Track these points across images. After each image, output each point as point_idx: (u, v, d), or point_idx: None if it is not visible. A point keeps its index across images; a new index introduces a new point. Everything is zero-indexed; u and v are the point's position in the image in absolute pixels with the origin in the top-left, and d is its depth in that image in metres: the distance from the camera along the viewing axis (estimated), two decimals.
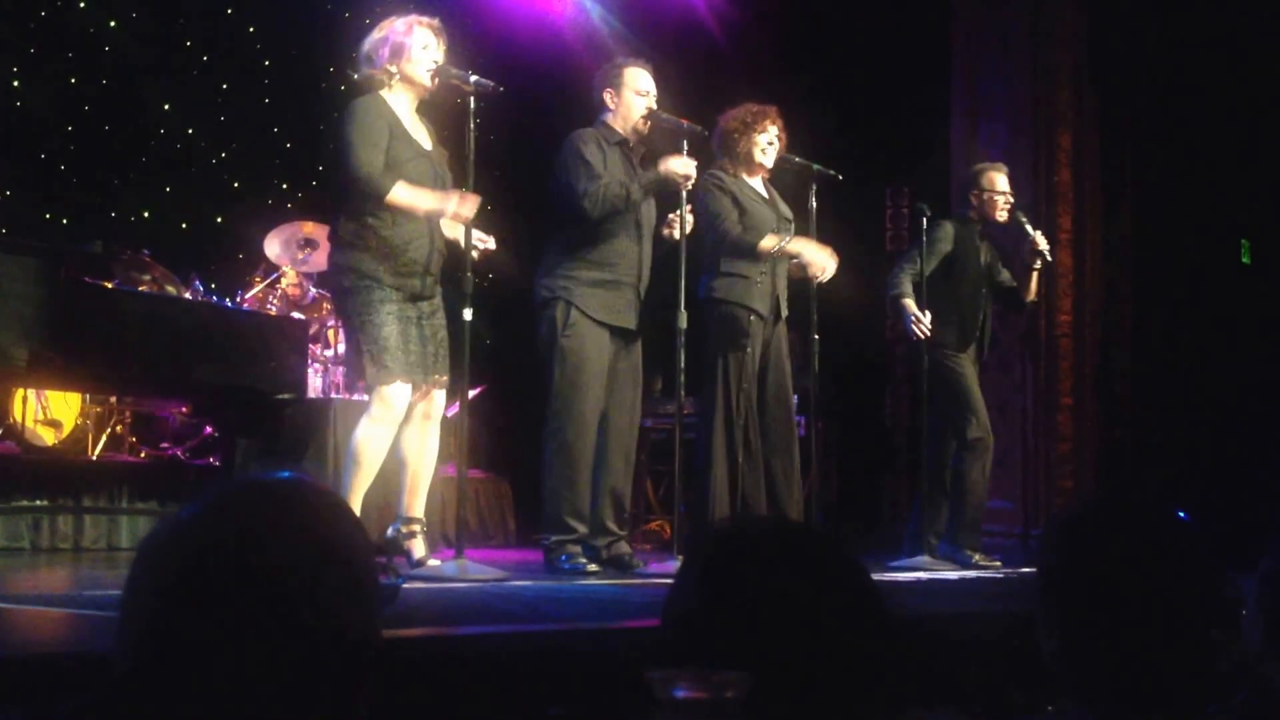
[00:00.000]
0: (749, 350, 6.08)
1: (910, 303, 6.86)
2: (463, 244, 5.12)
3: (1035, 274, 7.09)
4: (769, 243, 6.05)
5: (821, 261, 6.15)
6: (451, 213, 5.00)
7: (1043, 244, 6.97)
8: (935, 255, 6.93)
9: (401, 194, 4.96)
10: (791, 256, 6.17)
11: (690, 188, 5.68)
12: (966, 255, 7.00)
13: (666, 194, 5.76)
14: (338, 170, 5.10)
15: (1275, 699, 1.88)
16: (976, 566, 6.71)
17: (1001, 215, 7.03)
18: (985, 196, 7.02)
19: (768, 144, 6.24)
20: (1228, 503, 7.49)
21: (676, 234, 5.76)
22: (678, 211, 5.74)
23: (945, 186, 8.75)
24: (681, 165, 5.62)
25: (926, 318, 6.79)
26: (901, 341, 9.28)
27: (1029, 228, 7.01)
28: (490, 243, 5.32)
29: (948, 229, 7.00)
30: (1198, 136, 8.71)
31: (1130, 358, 9.02)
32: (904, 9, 9.19)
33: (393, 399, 4.99)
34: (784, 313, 6.26)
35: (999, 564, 6.83)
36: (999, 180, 7.05)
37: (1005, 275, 7.16)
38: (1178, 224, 8.82)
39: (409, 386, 5.04)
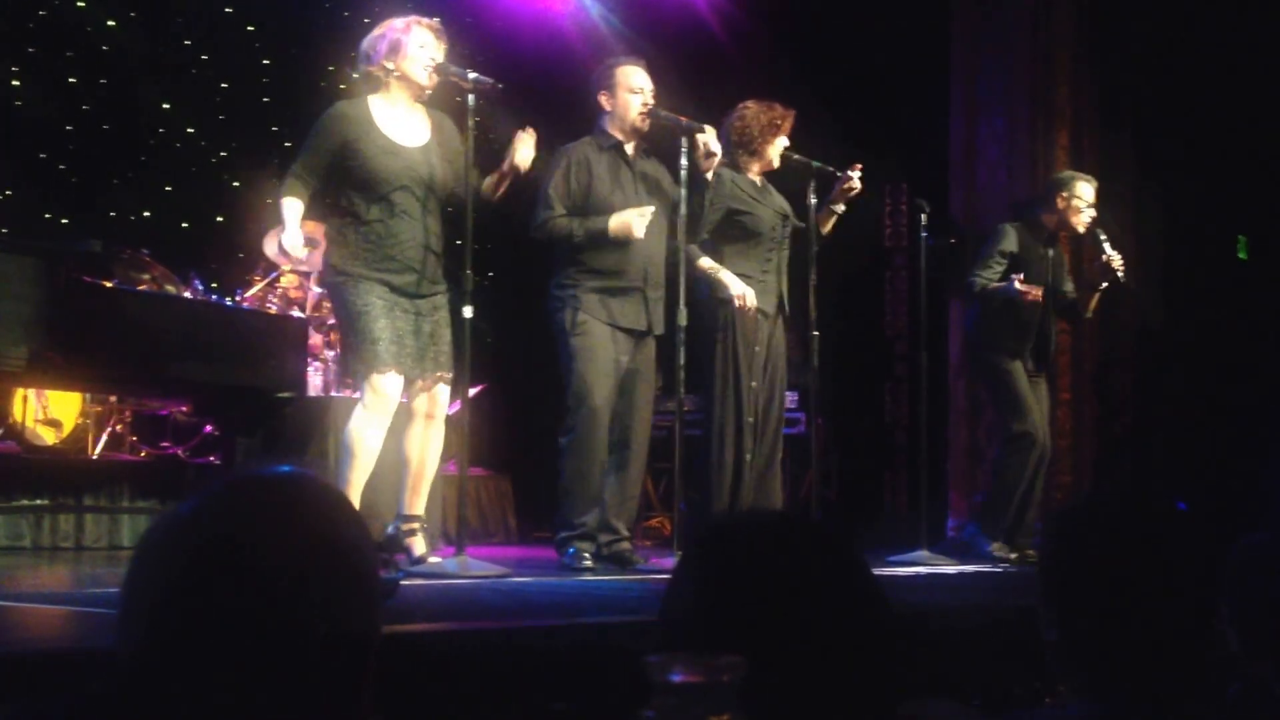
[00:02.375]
0: (754, 349, 6.09)
1: (998, 284, 6.76)
2: (467, 233, 5.14)
3: (1099, 293, 7.04)
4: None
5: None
6: (281, 241, 5.17)
7: (1118, 264, 6.86)
8: (1000, 260, 6.88)
9: (285, 206, 5.16)
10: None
11: (638, 237, 5.66)
12: (1030, 259, 6.91)
13: (695, 190, 5.77)
14: None
15: (1266, 694, 1.88)
16: (991, 558, 6.68)
17: (1082, 227, 6.96)
18: (1071, 203, 6.93)
19: (784, 148, 6.26)
20: (1226, 497, 7.49)
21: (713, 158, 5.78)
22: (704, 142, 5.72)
23: (944, 183, 8.75)
24: (633, 222, 5.61)
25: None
26: (902, 338, 9.30)
27: (1107, 246, 6.90)
28: (528, 136, 5.33)
29: (1010, 234, 6.93)
30: (1196, 133, 8.70)
31: (1129, 353, 9.01)
32: (902, 5, 9.18)
33: (383, 389, 5.00)
34: (786, 310, 6.27)
35: (1014, 557, 6.79)
36: (1087, 191, 6.97)
37: (1069, 287, 7.14)
38: (1176, 220, 8.82)
39: (400, 377, 5.04)
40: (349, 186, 5.10)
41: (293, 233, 5.11)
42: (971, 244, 7.77)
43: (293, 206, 5.13)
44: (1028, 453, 6.88)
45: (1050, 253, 7.05)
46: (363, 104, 5.18)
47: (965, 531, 6.91)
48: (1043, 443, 6.99)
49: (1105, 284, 6.98)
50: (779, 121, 6.24)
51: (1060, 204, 6.97)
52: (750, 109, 6.26)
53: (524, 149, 5.27)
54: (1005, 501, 6.91)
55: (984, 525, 6.91)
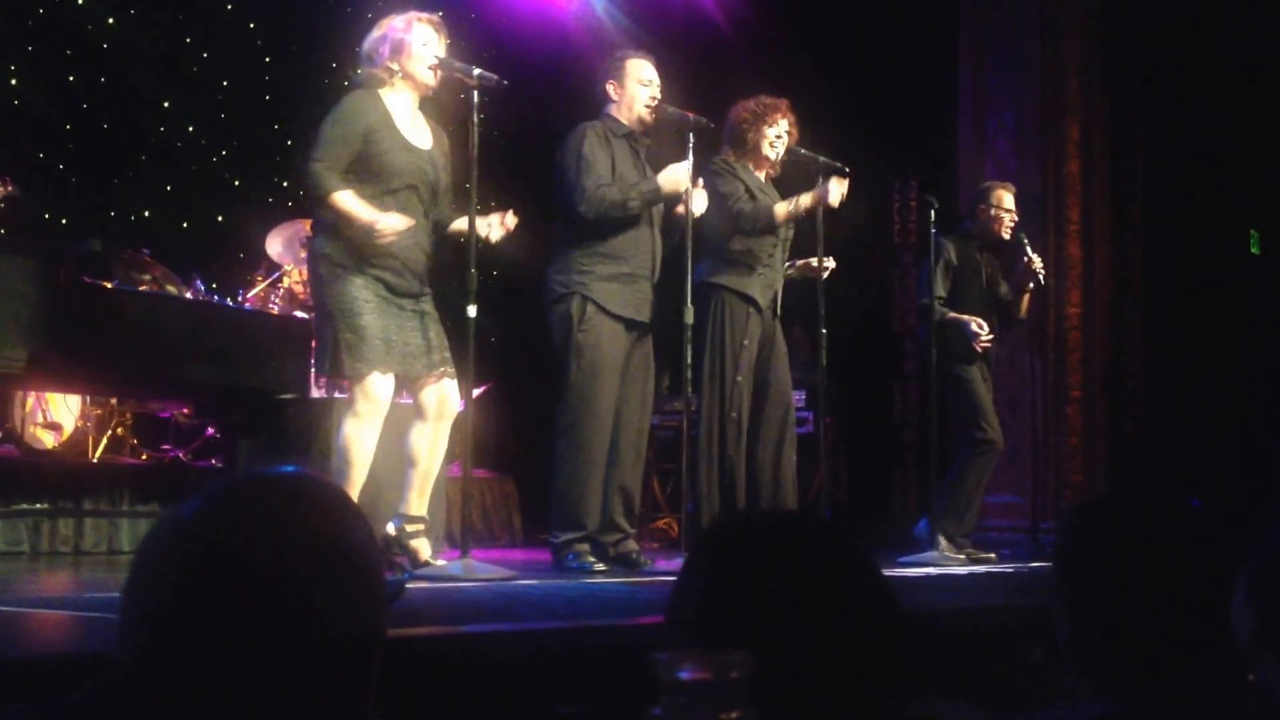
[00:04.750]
0: (745, 343, 6.04)
1: (955, 315, 7.03)
2: (468, 230, 5.07)
3: (1028, 295, 7.35)
4: (782, 208, 6.03)
5: (836, 193, 6.09)
6: (377, 230, 4.86)
7: (1039, 266, 7.19)
8: (945, 273, 7.10)
9: (345, 200, 4.89)
10: (805, 212, 6.11)
11: (689, 187, 5.61)
12: (969, 270, 7.15)
13: (693, 178, 5.72)
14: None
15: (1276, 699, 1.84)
16: (945, 559, 6.67)
17: (1006, 233, 7.21)
18: (992, 213, 7.20)
19: (776, 138, 6.21)
20: (1238, 495, 7.46)
21: (696, 209, 5.68)
22: (685, 192, 5.66)
23: (954, 179, 8.72)
24: (679, 171, 5.56)
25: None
26: (911, 337, 9.29)
27: (1028, 249, 7.21)
28: (495, 232, 5.25)
29: (948, 247, 7.14)
30: (1207, 127, 8.68)
31: (1140, 350, 8.98)
32: (912, 1, 9.15)
33: (375, 391, 4.90)
34: (779, 312, 6.23)
35: (992, 556, 6.95)
36: (1006, 198, 7.23)
37: (1004, 290, 7.32)
38: (1187, 215, 8.80)
39: (390, 378, 4.96)
40: (358, 177, 4.98)
41: (372, 214, 4.87)
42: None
43: (348, 196, 4.89)
44: (990, 458, 7.07)
45: (984, 260, 7.24)
46: (378, 97, 5.10)
47: (918, 529, 6.96)
48: (1001, 445, 7.18)
49: (1031, 286, 7.29)
50: (762, 111, 6.21)
51: (982, 214, 7.24)
52: (739, 104, 6.25)
53: (496, 231, 5.16)
54: (966, 504, 7.04)
55: (945, 525, 6.90)
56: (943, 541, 6.81)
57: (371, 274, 4.96)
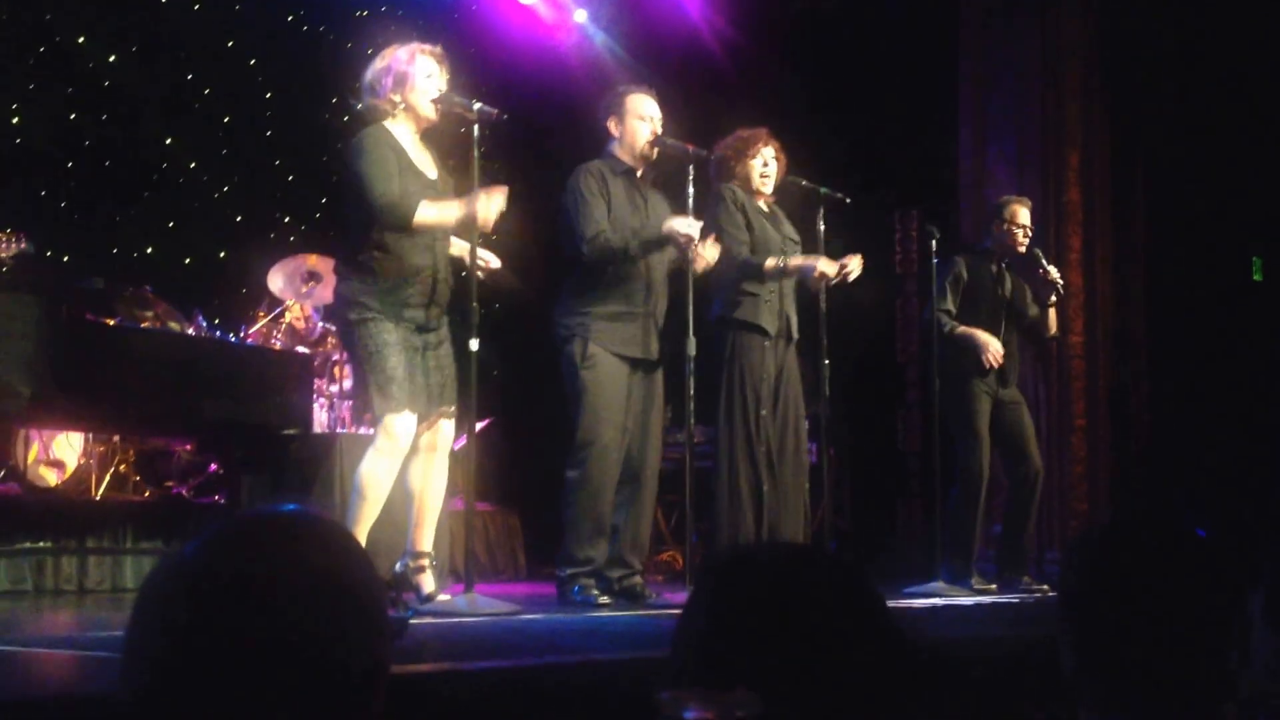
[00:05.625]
0: (764, 377, 6.03)
1: (965, 329, 6.97)
2: (468, 263, 5.07)
3: (1053, 309, 7.24)
4: (770, 264, 6.02)
5: (825, 267, 6.09)
6: (481, 215, 4.94)
7: (1055, 277, 7.12)
8: (955, 288, 7.05)
9: (429, 213, 4.94)
10: (793, 273, 6.11)
11: (691, 248, 5.59)
12: (981, 286, 7.09)
13: (694, 209, 5.71)
14: (357, 205, 5.02)
15: None
16: (976, 591, 6.65)
17: (1021, 248, 7.13)
18: (1007, 227, 7.12)
19: (763, 166, 6.21)
20: (1244, 521, 7.43)
21: (699, 267, 5.70)
22: (696, 245, 5.65)
23: (954, 208, 8.73)
24: (684, 225, 5.57)
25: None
26: (914, 364, 9.27)
27: (1044, 261, 7.15)
28: (494, 262, 5.28)
29: (959, 264, 7.10)
30: (1208, 154, 8.68)
31: (1144, 378, 8.97)
32: (911, 30, 9.17)
33: (398, 430, 4.94)
34: (794, 335, 6.21)
35: (994, 588, 6.89)
36: (1021, 213, 7.15)
37: (1033, 310, 7.23)
38: (1189, 242, 8.80)
39: (414, 417, 4.98)
40: (379, 224, 5.00)
41: (466, 204, 4.91)
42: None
43: (428, 208, 4.92)
44: (978, 487, 6.95)
45: (1007, 278, 7.17)
46: (386, 129, 5.10)
47: (943, 576, 6.91)
48: (1034, 465, 7.06)
49: (1053, 298, 7.21)
50: (742, 145, 6.23)
51: (997, 229, 7.17)
52: (720, 141, 6.26)
53: (489, 205, 5.08)
54: (966, 538, 6.95)
55: (952, 568, 6.88)
56: (972, 578, 6.81)
57: (395, 316, 4.99)
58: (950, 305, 7.02)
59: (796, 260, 6.13)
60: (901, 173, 9.36)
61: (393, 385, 4.92)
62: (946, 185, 8.92)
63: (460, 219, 4.98)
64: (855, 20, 9.42)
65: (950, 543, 6.94)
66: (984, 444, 6.95)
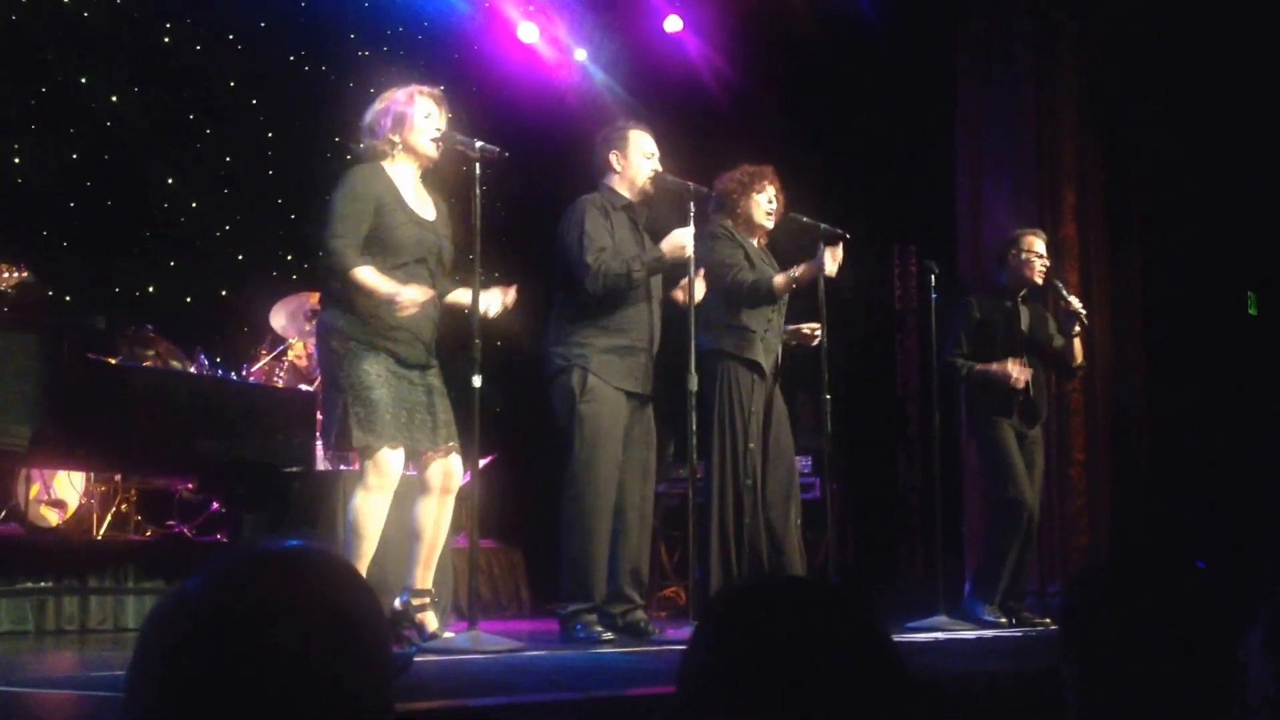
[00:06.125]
0: (753, 411, 6.04)
1: (983, 366, 6.93)
2: (470, 304, 5.08)
3: (1078, 339, 7.16)
4: (781, 279, 6.04)
5: (831, 263, 6.13)
6: (399, 303, 4.87)
7: (1078, 306, 7.04)
8: (967, 332, 7.03)
9: (366, 275, 4.91)
10: (804, 282, 6.13)
11: (691, 253, 5.62)
12: (995, 323, 7.04)
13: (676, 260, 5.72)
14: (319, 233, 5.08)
15: None
16: (992, 624, 6.66)
17: (1039, 279, 7.08)
18: (1023, 258, 7.07)
19: (768, 203, 6.23)
20: (1244, 554, 7.43)
21: (684, 297, 5.73)
22: (687, 277, 5.70)
23: (952, 243, 8.75)
24: (682, 237, 5.58)
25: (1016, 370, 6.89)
26: (914, 399, 9.27)
27: (1064, 291, 7.09)
28: (493, 310, 5.27)
29: (971, 305, 7.09)
30: (1203, 189, 8.70)
31: (1142, 411, 8.97)
32: (908, 68, 9.22)
33: (386, 465, 4.91)
34: (779, 375, 6.23)
35: (1004, 621, 6.86)
36: (1036, 244, 7.12)
37: (1058, 340, 7.20)
38: (1185, 277, 8.81)
39: (401, 451, 4.96)
40: (368, 251, 5.01)
41: (393, 286, 4.88)
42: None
43: (368, 271, 4.91)
44: (1019, 518, 6.90)
45: (1024, 311, 7.12)
46: (381, 169, 5.13)
47: (966, 598, 6.91)
48: (1031, 506, 7.00)
49: (1076, 328, 7.12)
50: (749, 180, 6.25)
51: (1013, 261, 7.11)
52: (723, 175, 6.28)
53: (495, 305, 5.20)
54: (998, 567, 6.94)
55: (979, 591, 6.90)
56: (987, 608, 6.79)
57: (382, 348, 4.98)
58: (964, 350, 6.99)
59: (800, 269, 6.14)
60: (899, 209, 9.39)
61: (376, 419, 4.89)
62: (945, 221, 8.95)
63: (385, 296, 4.89)
64: (852, 58, 9.47)
65: (981, 569, 6.95)
66: (1021, 472, 6.91)
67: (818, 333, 6.29)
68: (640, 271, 5.61)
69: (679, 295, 5.81)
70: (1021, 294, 7.12)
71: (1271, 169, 8.46)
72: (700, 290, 5.77)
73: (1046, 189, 8.72)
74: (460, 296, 5.23)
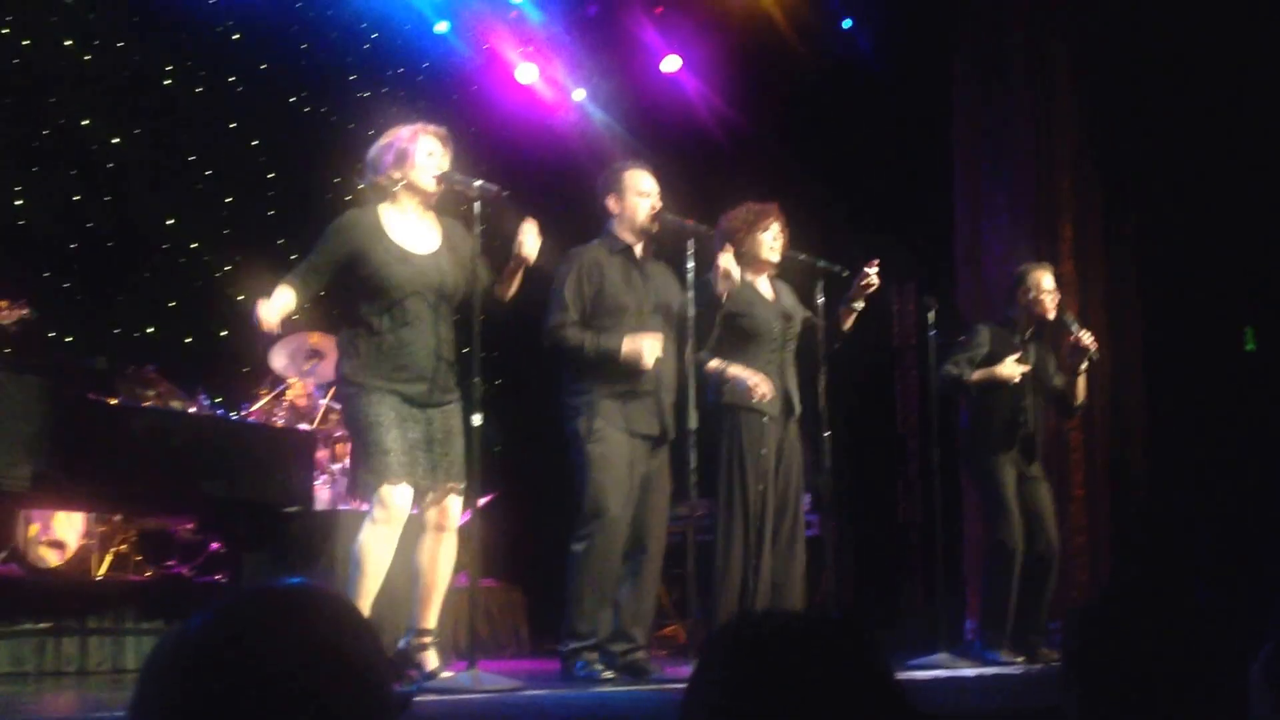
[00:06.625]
0: (763, 452, 6.03)
1: (983, 371, 6.86)
2: (473, 338, 5.12)
3: (1082, 377, 7.07)
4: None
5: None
6: (259, 320, 5.00)
7: (1089, 341, 6.90)
8: (971, 360, 6.94)
9: (273, 295, 5.05)
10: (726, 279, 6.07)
11: (647, 367, 5.62)
12: (1001, 357, 6.92)
13: (703, 300, 5.73)
14: (342, 283, 5.15)
15: None
16: (998, 662, 6.64)
17: (1049, 314, 7.00)
18: (1033, 295, 6.99)
19: (773, 240, 6.24)
20: (1244, 590, 7.41)
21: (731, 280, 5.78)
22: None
23: (951, 280, 8.77)
24: (646, 349, 5.59)
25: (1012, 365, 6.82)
26: (914, 435, 9.27)
27: (1074, 325, 6.97)
28: (530, 238, 5.29)
29: (983, 333, 7.00)
30: (1200, 225, 8.72)
31: (1142, 447, 8.96)
32: (905, 105, 9.26)
33: (392, 502, 4.92)
34: (797, 409, 6.21)
35: (1021, 659, 6.75)
36: (1045, 279, 7.02)
37: (1058, 380, 7.14)
38: (1183, 312, 8.81)
39: (410, 489, 4.97)
40: (359, 296, 5.06)
41: (270, 305, 5.00)
42: None
43: (281, 291, 5.06)
44: (1010, 559, 6.84)
45: (1032, 349, 7.05)
46: (373, 212, 5.16)
47: (974, 642, 6.88)
48: (1049, 542, 6.98)
49: (1084, 364, 7.01)
50: (754, 218, 6.25)
51: (1022, 298, 7.03)
52: (728, 213, 6.28)
53: (530, 239, 5.23)
54: (1000, 608, 6.89)
55: (986, 636, 6.87)
56: (1000, 651, 6.75)
57: (387, 389, 5.00)
58: (969, 372, 6.89)
59: (734, 369, 6.06)
60: (899, 246, 9.41)
61: (387, 458, 4.91)
62: (943, 257, 8.97)
63: (258, 313, 5.02)
64: (849, 97, 9.52)
65: (984, 612, 6.91)
66: (1014, 514, 6.84)
67: (870, 274, 6.17)
68: (591, 354, 5.62)
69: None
70: (1029, 331, 7.05)
71: (1271, 201, 8.48)
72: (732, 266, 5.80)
73: (1044, 225, 8.75)
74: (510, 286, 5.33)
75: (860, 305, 6.30)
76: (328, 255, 5.11)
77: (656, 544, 5.78)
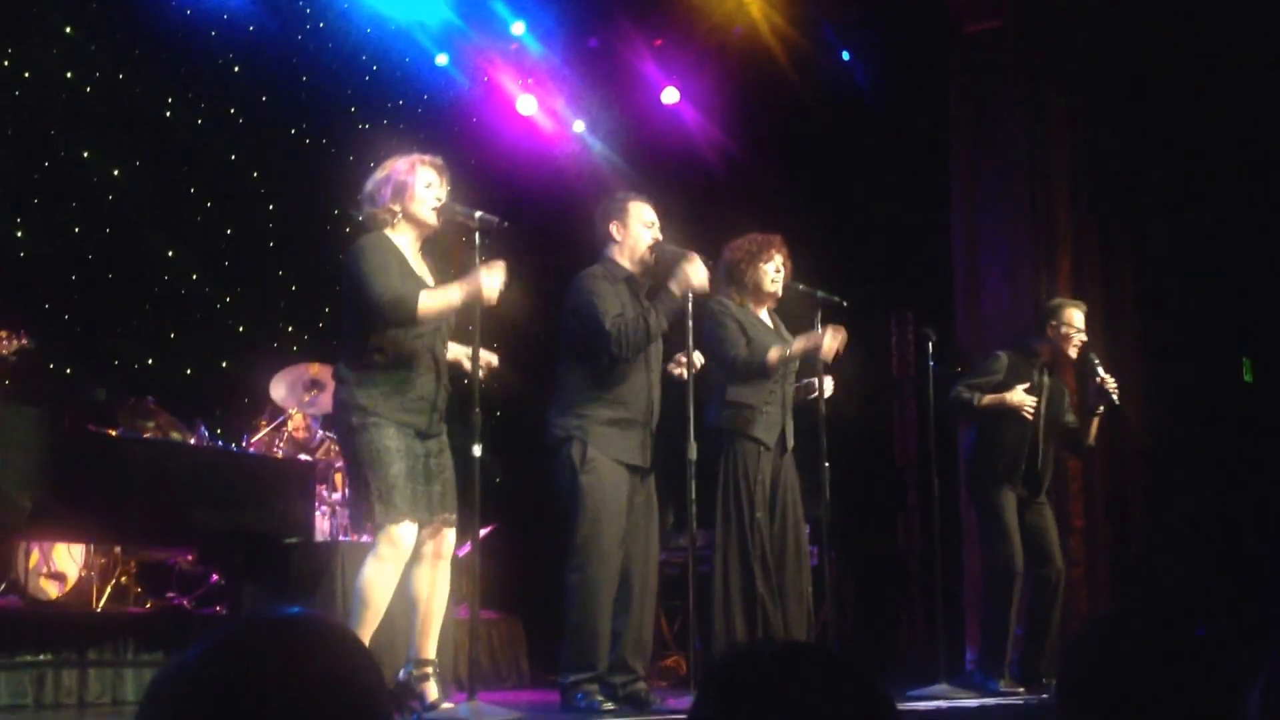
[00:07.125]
0: (759, 480, 6.03)
1: (994, 395, 6.86)
2: (467, 366, 5.11)
3: (1097, 419, 7.07)
4: (775, 354, 6.04)
5: (830, 342, 6.12)
6: (485, 291, 4.94)
7: (1112, 386, 6.89)
8: (985, 385, 6.93)
9: (430, 300, 4.94)
10: (801, 357, 6.14)
11: (701, 283, 5.63)
12: (1017, 383, 6.91)
13: (673, 327, 5.73)
14: (358, 309, 5.04)
15: None
16: (998, 692, 6.63)
17: (1073, 352, 6.99)
18: (1063, 330, 6.98)
19: (775, 271, 6.26)
20: (1243, 620, 7.40)
21: (684, 374, 5.74)
22: (684, 352, 5.72)
23: (949, 310, 8.77)
24: (695, 275, 5.59)
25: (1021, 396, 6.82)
26: (913, 467, 9.26)
27: (1100, 369, 6.94)
28: (494, 360, 5.31)
29: (1002, 360, 6.99)
30: (1197, 257, 8.74)
31: (1140, 477, 8.96)
32: (903, 136, 9.29)
33: (400, 538, 4.92)
34: (790, 444, 6.22)
35: (1022, 690, 6.74)
36: (1077, 317, 7.02)
37: (1070, 417, 7.14)
38: (1181, 345, 8.82)
39: (415, 526, 4.97)
40: (377, 321, 5.02)
41: (469, 283, 4.93)
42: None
43: (428, 295, 4.94)
44: (1011, 582, 6.84)
45: (1047, 381, 7.05)
46: (387, 237, 5.13)
47: (975, 673, 6.87)
48: (1055, 565, 7.00)
49: (1102, 408, 7.00)
50: (757, 249, 6.26)
51: (1051, 331, 7.02)
52: (732, 243, 6.30)
53: (492, 280, 5.07)
54: (999, 637, 6.89)
55: (986, 665, 6.86)
56: (1000, 680, 6.74)
57: (397, 420, 4.98)
58: (980, 396, 6.87)
59: (800, 343, 6.16)
60: (896, 277, 9.43)
61: (395, 493, 4.90)
62: (942, 288, 8.98)
63: (464, 298, 4.97)
64: (847, 129, 9.55)
65: (983, 639, 6.90)
66: (1014, 540, 6.83)
67: (827, 386, 6.25)
68: (657, 321, 5.59)
69: (677, 370, 5.83)
70: (1047, 365, 7.05)
71: (1266, 234, 8.50)
72: (699, 361, 5.79)
73: (1041, 255, 8.76)
74: (454, 351, 5.27)
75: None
76: (389, 259, 5.01)
77: (651, 573, 5.78)
